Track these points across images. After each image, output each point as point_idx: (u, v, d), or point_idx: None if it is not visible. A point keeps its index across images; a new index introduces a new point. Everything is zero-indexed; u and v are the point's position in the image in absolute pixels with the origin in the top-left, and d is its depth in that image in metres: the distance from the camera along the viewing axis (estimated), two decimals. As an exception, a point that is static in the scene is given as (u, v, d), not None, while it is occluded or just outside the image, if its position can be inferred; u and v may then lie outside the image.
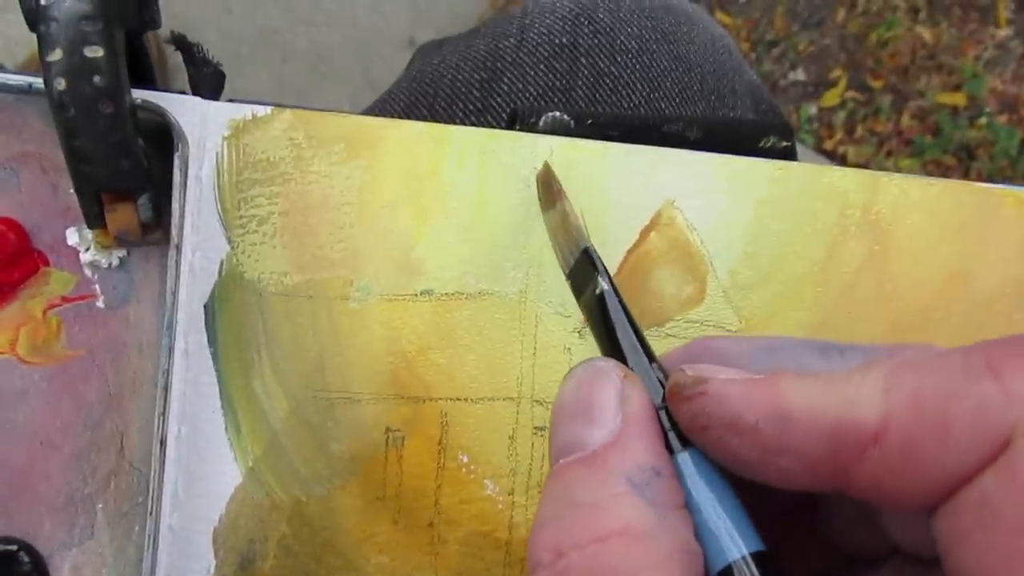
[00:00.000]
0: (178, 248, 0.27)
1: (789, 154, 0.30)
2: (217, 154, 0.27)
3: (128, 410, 0.27)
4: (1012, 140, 1.18)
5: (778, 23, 1.26)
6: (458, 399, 0.28)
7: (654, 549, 0.15)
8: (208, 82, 0.29)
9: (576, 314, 0.28)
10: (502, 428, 0.28)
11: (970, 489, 0.14)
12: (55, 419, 0.27)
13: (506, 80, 0.39)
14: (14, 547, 0.27)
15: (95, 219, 0.26)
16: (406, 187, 0.28)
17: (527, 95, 0.38)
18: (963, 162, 1.19)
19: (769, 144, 0.30)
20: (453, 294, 0.28)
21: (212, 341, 0.27)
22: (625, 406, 0.17)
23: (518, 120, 0.29)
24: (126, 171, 0.25)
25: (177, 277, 0.27)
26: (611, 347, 0.19)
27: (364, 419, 0.28)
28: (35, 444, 0.27)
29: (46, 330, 0.27)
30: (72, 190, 0.26)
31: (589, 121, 0.29)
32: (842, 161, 1.19)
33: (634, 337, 0.19)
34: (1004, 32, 1.25)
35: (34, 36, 0.24)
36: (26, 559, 0.27)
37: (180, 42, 0.29)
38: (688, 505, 0.17)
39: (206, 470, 0.27)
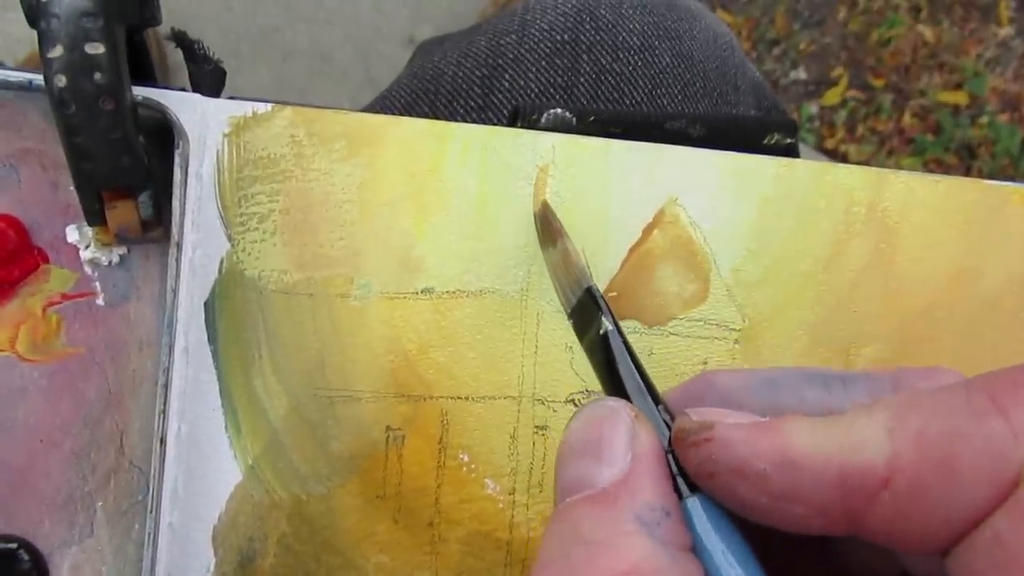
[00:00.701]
0: (178, 246, 0.27)
1: (793, 151, 0.30)
2: (217, 151, 0.27)
3: (128, 408, 0.27)
4: (1013, 139, 1.18)
5: (779, 22, 1.25)
6: (459, 398, 0.28)
7: None
8: (208, 79, 0.29)
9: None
10: (503, 427, 0.28)
11: (982, 530, 0.14)
12: (55, 417, 0.27)
13: (507, 77, 0.38)
14: (14, 545, 0.27)
15: (95, 216, 0.26)
16: (407, 184, 0.28)
17: (528, 92, 0.38)
18: (964, 161, 1.19)
19: (773, 141, 0.30)
20: (454, 292, 0.28)
21: (212, 339, 0.27)
22: (635, 445, 0.17)
23: (520, 117, 0.29)
24: (126, 168, 0.25)
25: (177, 275, 0.27)
26: (615, 388, 0.19)
27: (364, 417, 0.27)
28: (35, 442, 0.27)
29: (46, 328, 0.27)
30: (72, 187, 0.26)
31: (591, 118, 0.29)
32: (843, 160, 1.19)
33: (639, 378, 0.19)
34: (1005, 31, 1.25)
35: (35, 34, 0.24)
36: (26, 557, 0.26)
37: (180, 39, 0.29)
38: (696, 550, 0.16)
39: (206, 468, 0.27)
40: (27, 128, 0.27)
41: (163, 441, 0.26)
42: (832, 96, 1.23)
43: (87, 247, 0.27)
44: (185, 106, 0.27)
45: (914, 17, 1.25)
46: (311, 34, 1.11)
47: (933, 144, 1.20)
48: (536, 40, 0.39)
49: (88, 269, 0.27)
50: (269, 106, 0.28)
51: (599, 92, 0.38)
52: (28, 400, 0.27)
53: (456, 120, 0.38)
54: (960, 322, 0.29)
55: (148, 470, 0.27)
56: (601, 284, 0.28)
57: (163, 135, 0.27)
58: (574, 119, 0.28)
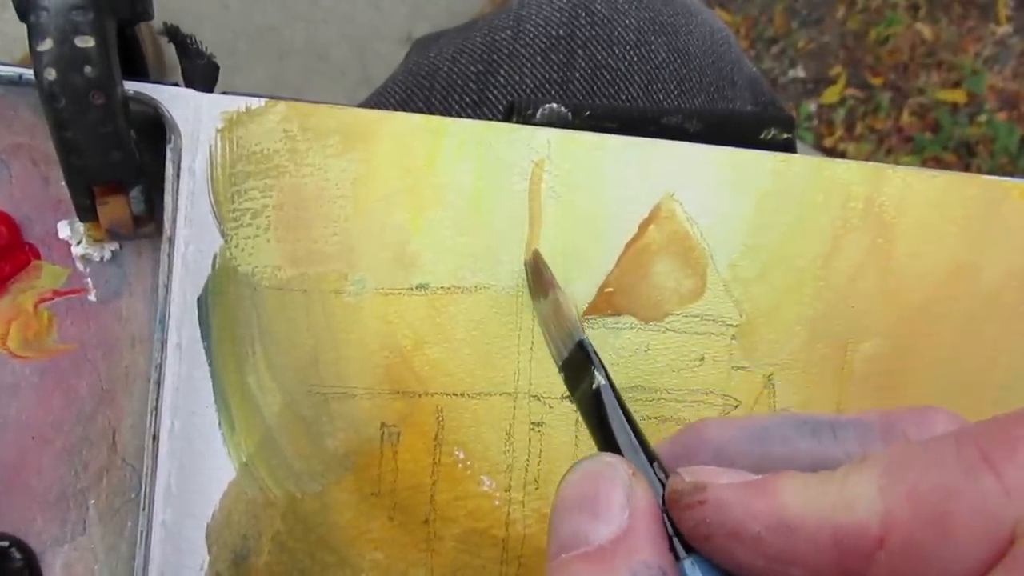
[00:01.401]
0: (171, 241, 0.27)
1: (790, 146, 0.30)
2: (210, 146, 0.27)
3: (120, 405, 0.27)
4: (1012, 137, 1.18)
5: (777, 20, 1.25)
6: (454, 394, 0.28)
7: None
8: (201, 74, 0.29)
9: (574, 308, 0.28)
10: (499, 423, 0.28)
11: None
12: (47, 414, 0.27)
13: (503, 72, 0.38)
14: (6, 543, 0.26)
15: (87, 212, 0.26)
16: (401, 180, 0.28)
17: (524, 87, 0.38)
18: (963, 159, 1.19)
19: (770, 136, 0.30)
20: (449, 288, 0.28)
21: (205, 335, 0.27)
22: (632, 503, 0.17)
23: (515, 112, 0.29)
24: (118, 163, 0.25)
25: (170, 271, 0.26)
26: (607, 443, 0.19)
27: (359, 414, 0.27)
28: (26, 439, 0.27)
29: (37, 324, 0.27)
30: (63, 182, 0.26)
31: (587, 113, 0.28)
32: (842, 158, 1.19)
33: (632, 435, 0.19)
34: (1004, 29, 1.25)
35: (32, 33, 0.24)
36: (18, 555, 0.26)
37: (173, 34, 0.29)
38: None
39: (199, 465, 0.27)
40: (17, 123, 0.27)
41: (156, 438, 0.26)
42: (831, 95, 1.23)
43: (79, 243, 0.27)
44: (178, 101, 0.27)
45: (912, 15, 1.25)
46: (308, 33, 1.11)
47: (932, 142, 1.20)
48: (531, 35, 0.39)
49: (80, 265, 0.27)
50: (262, 101, 0.27)
51: (595, 87, 0.38)
52: (20, 397, 0.27)
53: (451, 116, 0.38)
54: (959, 318, 0.29)
55: (141, 467, 0.27)
56: (597, 280, 0.28)
57: (155, 130, 0.27)
58: (569, 114, 0.28)
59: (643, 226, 0.29)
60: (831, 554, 0.15)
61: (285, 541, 0.27)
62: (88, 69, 0.23)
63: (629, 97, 0.38)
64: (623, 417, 0.19)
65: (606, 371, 0.20)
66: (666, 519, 0.17)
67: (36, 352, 0.27)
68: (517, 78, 0.38)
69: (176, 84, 0.28)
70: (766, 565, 0.15)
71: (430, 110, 0.39)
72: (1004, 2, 1.25)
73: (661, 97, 0.38)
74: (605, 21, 0.39)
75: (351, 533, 0.27)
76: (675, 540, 0.17)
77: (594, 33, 0.39)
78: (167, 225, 0.27)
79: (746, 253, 0.29)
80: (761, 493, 0.16)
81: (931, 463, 0.15)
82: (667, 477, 0.18)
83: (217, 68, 0.29)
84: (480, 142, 0.28)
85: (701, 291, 0.29)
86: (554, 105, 0.28)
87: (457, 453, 0.28)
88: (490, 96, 0.38)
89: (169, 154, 0.27)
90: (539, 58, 0.38)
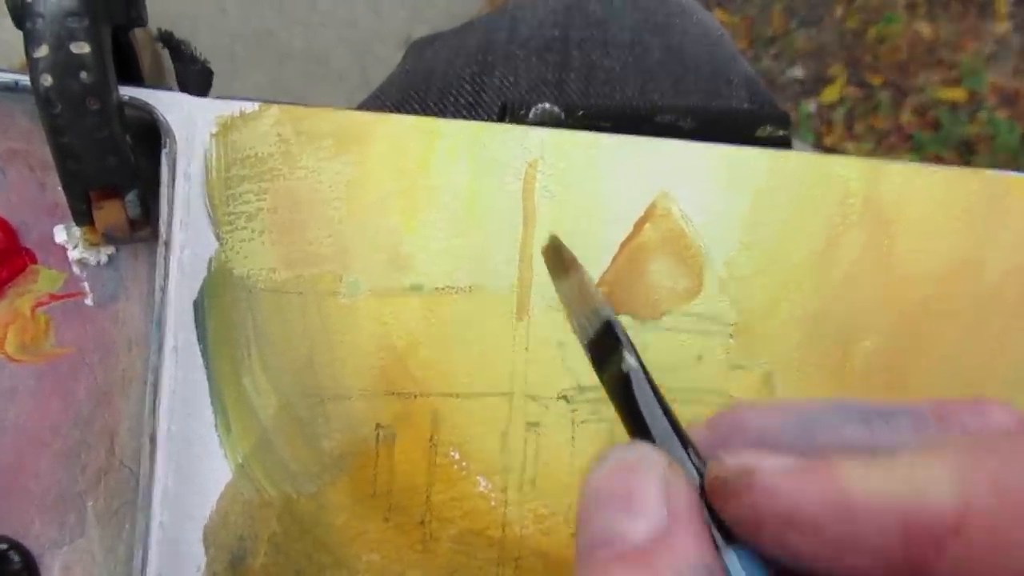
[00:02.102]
0: (167, 245, 0.27)
1: (786, 144, 0.30)
2: (205, 151, 0.27)
3: (118, 408, 0.27)
4: (1012, 134, 1.18)
5: (776, 20, 1.25)
6: (449, 395, 0.28)
7: None
8: (196, 79, 0.29)
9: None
10: (494, 424, 0.28)
11: None
12: (44, 417, 0.27)
13: (497, 74, 0.38)
14: (4, 546, 0.26)
15: (83, 216, 0.26)
16: (395, 181, 0.28)
17: (519, 88, 0.38)
18: (964, 157, 1.19)
19: (766, 134, 0.30)
20: (444, 289, 0.28)
21: (201, 338, 0.27)
22: (671, 497, 0.16)
23: (508, 112, 0.29)
24: (113, 168, 0.25)
25: (166, 274, 0.27)
26: (638, 429, 0.18)
27: (354, 415, 0.27)
28: (25, 442, 0.27)
29: (35, 328, 0.27)
30: (60, 187, 0.26)
31: (580, 112, 0.29)
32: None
33: (666, 421, 0.18)
34: (1003, 27, 1.25)
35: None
36: (16, 558, 0.26)
37: (167, 39, 0.29)
38: None
39: (196, 467, 0.27)
40: (14, 129, 0.27)
41: (153, 440, 0.26)
42: (830, 94, 1.23)
43: (75, 247, 0.27)
44: (172, 106, 0.27)
45: (911, 14, 1.25)
46: (307, 37, 1.11)
47: (932, 141, 1.20)
48: (526, 37, 0.39)
49: (76, 269, 0.27)
50: (256, 105, 0.27)
51: (590, 88, 0.38)
52: (17, 401, 0.27)
53: (446, 117, 0.38)
54: (961, 315, 0.29)
55: (138, 470, 0.27)
56: (593, 278, 0.28)
57: (151, 135, 0.27)
58: (562, 114, 0.28)
59: (638, 225, 0.29)
60: (898, 540, 0.14)
61: (281, 542, 0.27)
62: (84, 75, 0.24)
63: (624, 97, 0.38)
64: (655, 401, 0.18)
65: (636, 352, 0.19)
66: (706, 509, 0.16)
67: (33, 356, 0.27)
68: (512, 79, 0.38)
69: (171, 89, 0.28)
70: (823, 554, 0.15)
71: (425, 112, 0.39)
72: (1003, 0, 1.25)
73: (656, 97, 0.38)
74: (600, 21, 0.39)
75: (347, 534, 0.27)
76: (714, 530, 0.16)
77: (589, 33, 0.39)
78: (163, 229, 0.27)
79: (743, 251, 0.29)
80: (817, 476, 0.15)
81: (1014, 451, 0.14)
82: (704, 465, 0.17)
83: (211, 73, 0.29)
84: (474, 143, 0.28)
85: (698, 290, 0.29)
86: (547, 105, 0.28)
87: (453, 454, 0.28)
88: (485, 97, 0.38)
89: (164, 158, 0.27)
90: (534, 59, 0.38)
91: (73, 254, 0.27)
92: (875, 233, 0.29)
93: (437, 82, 0.39)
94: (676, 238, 0.29)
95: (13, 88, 0.26)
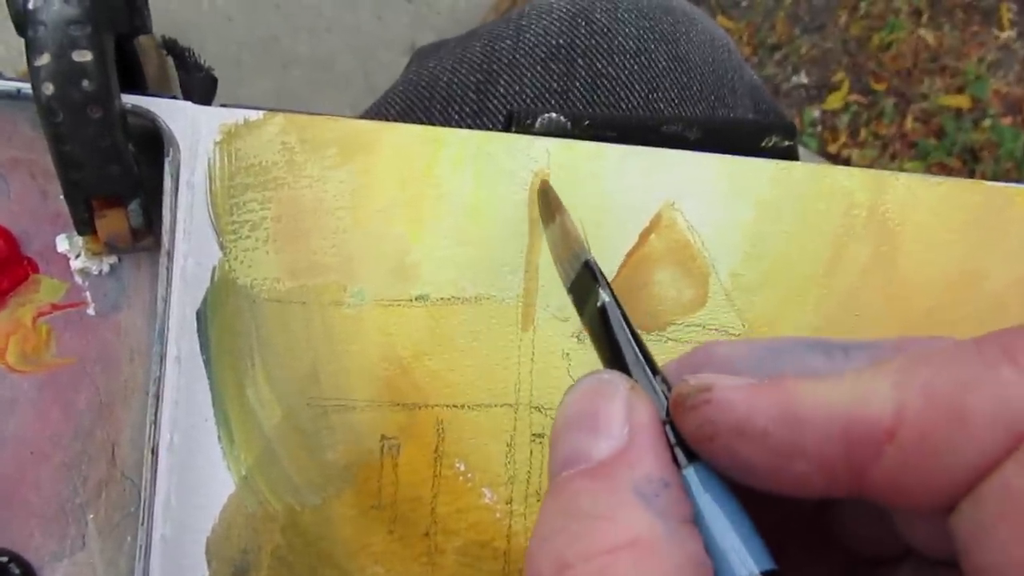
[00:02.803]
0: (169, 254, 0.26)
1: (791, 154, 0.30)
2: (209, 159, 0.27)
3: (119, 419, 0.27)
4: (1017, 142, 1.17)
5: (780, 27, 1.25)
6: (454, 406, 0.27)
7: (664, 562, 0.15)
8: (200, 87, 0.29)
9: (575, 318, 0.28)
10: (500, 435, 0.28)
11: (991, 481, 0.14)
12: (45, 428, 0.27)
13: (502, 82, 0.38)
14: (4, 558, 0.26)
15: (85, 225, 0.26)
16: (400, 191, 0.28)
17: (524, 97, 0.38)
18: (968, 164, 1.19)
19: (771, 144, 0.30)
20: (449, 299, 0.28)
21: (204, 348, 0.27)
22: (632, 417, 0.16)
23: (514, 122, 0.28)
24: (116, 176, 0.25)
25: (169, 284, 0.26)
26: (613, 359, 0.19)
27: (359, 426, 0.27)
28: (25, 454, 0.27)
29: (36, 338, 0.27)
30: (62, 196, 0.25)
31: (586, 122, 0.28)
32: (846, 164, 1.19)
33: (636, 349, 0.19)
34: (1007, 34, 1.25)
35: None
36: (16, 571, 0.26)
37: (171, 47, 0.29)
38: (696, 521, 0.16)
39: (199, 479, 0.27)
40: (16, 137, 0.27)
41: (155, 452, 0.26)
42: (834, 101, 1.23)
43: (77, 256, 0.27)
44: (176, 114, 0.27)
45: (915, 21, 1.25)
46: (312, 43, 1.11)
47: (936, 148, 1.19)
48: (531, 45, 0.39)
49: (78, 279, 0.27)
50: (260, 113, 0.27)
51: (595, 97, 0.38)
52: (18, 412, 0.27)
53: (451, 126, 0.38)
54: (965, 326, 0.29)
55: (140, 482, 0.26)
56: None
57: (154, 143, 0.27)
58: (569, 123, 0.28)
59: (644, 235, 0.28)
60: (838, 447, 0.15)
61: (285, 555, 0.27)
62: (86, 83, 0.23)
63: (630, 106, 0.38)
64: (628, 332, 0.19)
65: (611, 289, 0.20)
66: (668, 430, 0.17)
67: (35, 366, 0.27)
68: (517, 88, 0.38)
69: (175, 97, 0.28)
70: (771, 462, 0.15)
71: (430, 120, 0.39)
72: (1007, 7, 1.25)
73: (662, 106, 0.38)
74: (605, 30, 0.39)
75: (351, 547, 0.27)
76: (677, 450, 0.17)
77: (594, 42, 0.38)
78: (166, 238, 0.26)
79: (748, 262, 0.29)
80: (769, 390, 0.15)
81: (950, 360, 0.14)
82: (671, 391, 0.17)
83: (215, 81, 0.29)
84: (479, 152, 0.28)
85: (703, 300, 0.29)
86: (553, 115, 0.28)
87: (458, 465, 0.27)
88: (490, 106, 0.38)
89: (167, 167, 0.27)
90: (539, 67, 0.38)
91: (75, 263, 0.27)
92: (879, 244, 0.29)
93: (441, 90, 0.39)
94: (681, 249, 0.29)
95: (15, 96, 0.26)
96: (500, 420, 0.28)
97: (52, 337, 0.27)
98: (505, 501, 0.27)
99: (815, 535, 0.19)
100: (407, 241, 0.28)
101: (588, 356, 0.28)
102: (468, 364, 0.28)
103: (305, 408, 0.27)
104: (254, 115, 0.27)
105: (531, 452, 0.28)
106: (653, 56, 0.39)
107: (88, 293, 0.27)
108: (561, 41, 0.38)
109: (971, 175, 1.17)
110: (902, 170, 1.17)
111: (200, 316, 0.27)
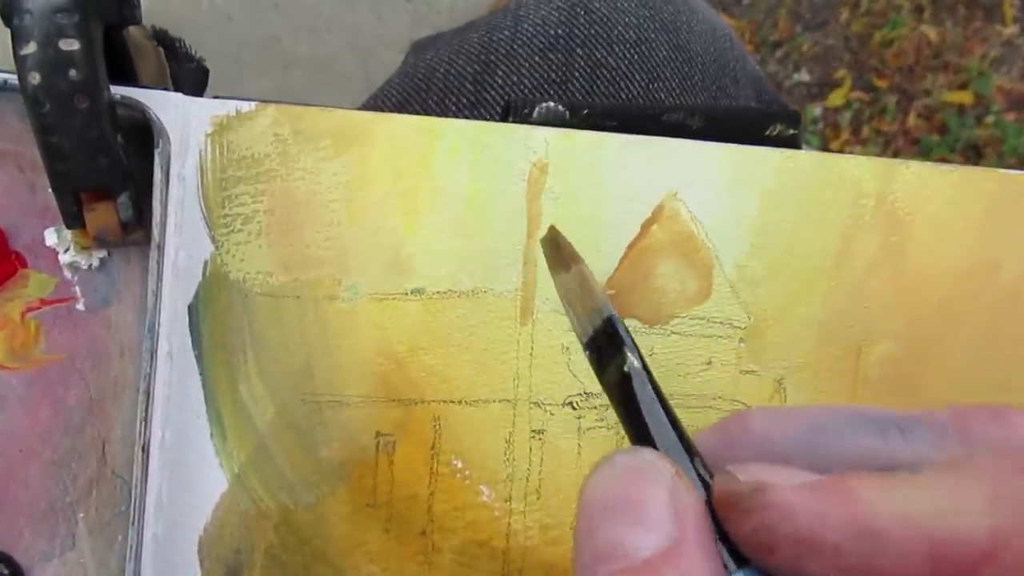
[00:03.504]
0: (160, 248, 0.26)
1: (796, 143, 0.29)
2: (200, 151, 0.26)
3: (110, 416, 0.26)
4: (1020, 138, 1.17)
5: (781, 24, 1.25)
6: (451, 401, 0.27)
7: None
8: (191, 78, 0.28)
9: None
10: (498, 431, 0.27)
11: None
12: (34, 425, 0.26)
13: (500, 73, 0.38)
14: (-7, 560, 0.26)
15: (73, 219, 0.25)
16: (395, 182, 0.27)
17: (522, 88, 0.37)
18: (971, 160, 1.18)
19: (776, 132, 0.29)
20: (445, 292, 0.27)
21: (196, 344, 0.26)
22: (679, 510, 0.15)
23: (511, 112, 0.28)
24: (104, 169, 0.24)
25: (159, 278, 0.26)
26: (639, 435, 0.17)
27: (353, 423, 0.27)
28: (14, 451, 0.26)
29: (24, 334, 0.26)
30: (50, 189, 0.25)
31: (585, 111, 0.28)
32: (849, 161, 1.18)
33: (670, 426, 0.17)
34: (1010, 30, 1.24)
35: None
36: (5, 571, 0.26)
37: (162, 37, 0.28)
38: None
39: (191, 477, 0.26)
40: (3, 129, 0.26)
41: (145, 449, 0.25)
42: (836, 98, 1.22)
43: (66, 251, 0.26)
44: (166, 105, 0.26)
45: (917, 18, 1.25)
46: (312, 43, 1.11)
47: (939, 144, 1.19)
48: (529, 35, 0.38)
49: (68, 273, 0.27)
50: (252, 104, 0.27)
51: (594, 87, 0.37)
52: (7, 409, 0.26)
53: (448, 117, 0.37)
54: (977, 317, 0.28)
55: (131, 480, 0.26)
56: (599, 281, 0.28)
57: (144, 135, 0.26)
58: (567, 112, 0.28)
59: (646, 226, 0.28)
60: (925, 567, 0.13)
61: (279, 554, 0.26)
62: (72, 72, 0.23)
63: (630, 96, 0.37)
64: (659, 405, 0.17)
65: (639, 352, 0.18)
66: (714, 526, 0.15)
67: (23, 362, 0.26)
68: (515, 78, 0.37)
69: (166, 88, 0.27)
70: None
71: (426, 112, 0.39)
72: (1010, 2, 1.24)
73: (663, 96, 0.38)
74: (604, 19, 0.38)
75: (346, 545, 0.26)
76: (722, 548, 0.15)
77: (593, 31, 0.38)
78: (156, 232, 0.26)
79: (753, 253, 0.28)
80: (836, 496, 0.14)
81: None
82: (711, 476, 0.16)
83: (207, 72, 0.28)
84: (476, 143, 0.27)
85: (707, 293, 0.28)
86: (551, 104, 0.28)
87: (455, 462, 0.27)
88: (487, 97, 0.38)
89: (157, 159, 0.26)
90: (537, 58, 0.38)
91: (64, 258, 0.26)
92: (889, 234, 0.28)
93: (438, 82, 0.39)
94: (685, 240, 0.28)
95: (2, 87, 0.26)
96: (498, 416, 0.27)
97: (41, 333, 0.26)
98: (504, 499, 0.27)
99: None
100: (402, 234, 0.27)
101: (589, 350, 0.27)
102: (465, 359, 0.27)
103: (299, 404, 0.26)
104: (246, 106, 0.27)
105: (530, 449, 0.27)
106: (653, 45, 0.38)
107: (77, 288, 0.27)
108: (560, 31, 0.38)
109: (975, 171, 1.16)
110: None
111: (192, 311, 0.26)
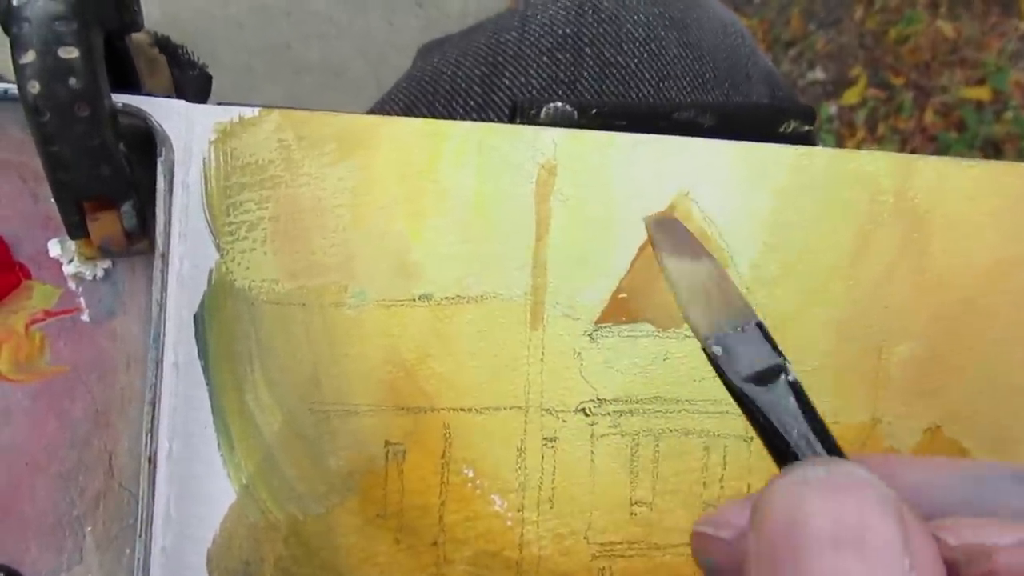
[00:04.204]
0: (164, 257, 0.26)
1: (811, 140, 0.28)
2: (204, 159, 0.26)
3: (116, 428, 0.26)
4: (1041, 132, 1.15)
5: (794, 23, 1.24)
6: (461, 409, 0.26)
7: None
8: (194, 85, 0.28)
9: (586, 316, 0.27)
10: (509, 439, 0.26)
11: None
12: (40, 439, 0.26)
13: (508, 74, 0.37)
14: (1, 574, 0.25)
15: (77, 229, 0.25)
16: (401, 187, 0.27)
17: (530, 89, 0.37)
18: (989, 157, 1.16)
19: (790, 129, 0.28)
20: (453, 298, 0.27)
21: (202, 353, 0.26)
22: (915, 548, 0.13)
23: (519, 113, 0.27)
24: (107, 178, 0.24)
25: (164, 287, 0.26)
26: (800, 448, 0.15)
27: (362, 432, 0.26)
28: (20, 465, 0.26)
29: (29, 346, 0.26)
30: (53, 199, 0.25)
31: (593, 111, 0.27)
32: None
33: (836, 445, 0.15)
34: (1028, 23, 1.22)
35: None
36: (13, 587, 0.25)
37: (164, 44, 0.28)
38: None
39: (199, 488, 0.26)
40: (5, 139, 0.26)
41: (152, 461, 0.25)
42: (851, 96, 1.21)
43: (70, 261, 0.26)
44: (169, 112, 0.26)
45: (932, 13, 1.23)
46: (323, 49, 1.11)
47: (957, 141, 1.17)
48: (537, 35, 0.38)
49: (72, 284, 0.26)
50: (256, 111, 0.26)
51: (604, 87, 0.37)
52: (12, 422, 0.26)
53: (455, 120, 0.37)
54: (1001, 316, 0.28)
55: (138, 492, 0.26)
56: (610, 285, 0.27)
57: (147, 143, 0.26)
58: (575, 112, 0.27)
59: (657, 228, 0.27)
60: None
61: (288, 566, 0.26)
62: (72, 81, 0.23)
63: (640, 95, 0.37)
64: (823, 425, 0.15)
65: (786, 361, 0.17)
66: None
67: (28, 375, 0.26)
68: (523, 79, 0.37)
69: (169, 96, 0.27)
70: None
71: (433, 115, 0.38)
72: (1027, -5, 1.23)
73: (674, 94, 0.37)
74: (612, 18, 0.38)
75: (356, 557, 0.26)
76: None
77: (601, 30, 0.37)
78: (160, 241, 0.26)
79: (768, 253, 0.27)
80: None
81: None
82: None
83: (210, 78, 0.28)
84: (482, 145, 0.27)
85: (721, 295, 0.27)
86: (559, 104, 0.27)
87: (466, 471, 0.26)
88: (495, 99, 0.37)
89: (160, 167, 0.26)
90: (545, 58, 0.37)
91: (68, 269, 0.26)
92: (908, 232, 0.27)
93: (445, 84, 0.38)
94: (698, 240, 0.27)
95: (2, 97, 0.25)
96: (509, 424, 0.26)
97: (46, 345, 0.26)
98: (516, 508, 0.26)
99: None
100: (409, 239, 0.26)
101: (601, 355, 0.27)
102: (475, 365, 0.26)
103: (307, 413, 0.26)
104: (249, 112, 0.26)
105: (542, 457, 0.27)
106: (663, 43, 0.37)
107: (82, 299, 0.26)
108: (568, 30, 0.37)
109: (994, 167, 1.14)
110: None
111: (197, 320, 0.26)
